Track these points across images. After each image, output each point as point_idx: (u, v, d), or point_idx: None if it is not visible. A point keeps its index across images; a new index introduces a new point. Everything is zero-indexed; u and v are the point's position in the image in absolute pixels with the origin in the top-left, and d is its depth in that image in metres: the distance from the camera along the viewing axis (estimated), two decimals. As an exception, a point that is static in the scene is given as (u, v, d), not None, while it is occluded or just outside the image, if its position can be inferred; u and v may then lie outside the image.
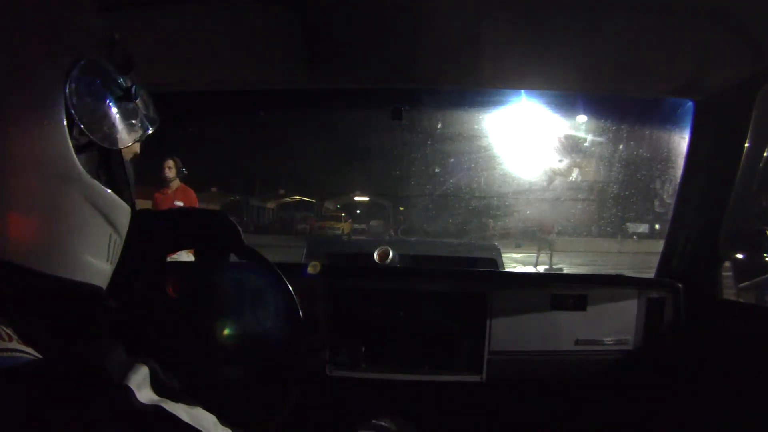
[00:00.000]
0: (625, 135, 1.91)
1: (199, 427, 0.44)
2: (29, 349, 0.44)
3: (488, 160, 2.39)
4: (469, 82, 1.50)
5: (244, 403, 0.89)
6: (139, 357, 0.45)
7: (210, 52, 1.27)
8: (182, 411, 0.45)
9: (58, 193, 0.52)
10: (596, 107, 1.74)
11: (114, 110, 0.61)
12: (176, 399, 0.46)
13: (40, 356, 0.44)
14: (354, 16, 1.14)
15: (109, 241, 0.61)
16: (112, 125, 0.60)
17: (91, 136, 0.55)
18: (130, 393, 0.41)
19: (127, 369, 0.43)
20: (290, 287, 1.03)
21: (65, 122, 0.52)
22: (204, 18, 1.13)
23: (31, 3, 0.53)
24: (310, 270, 1.31)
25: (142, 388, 0.43)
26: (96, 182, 0.57)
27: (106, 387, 0.41)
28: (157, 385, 0.45)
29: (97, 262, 0.57)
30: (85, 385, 0.40)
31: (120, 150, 0.64)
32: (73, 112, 0.52)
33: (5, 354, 0.42)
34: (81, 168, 0.54)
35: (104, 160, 0.62)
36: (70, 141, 0.52)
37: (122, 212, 0.64)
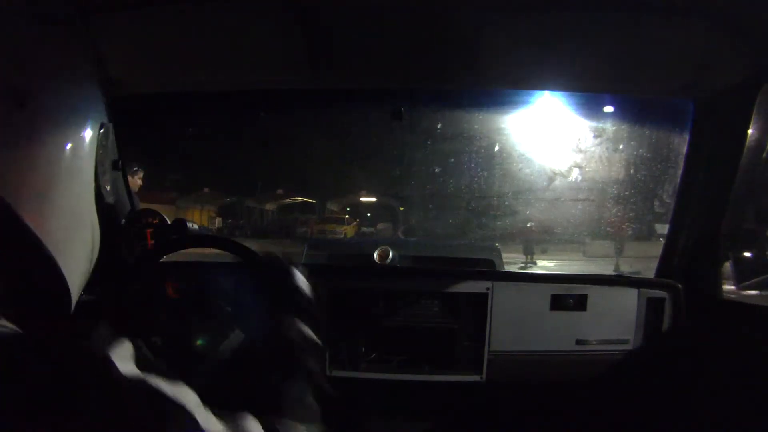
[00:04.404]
0: (625, 135, 1.91)
1: (181, 403, 0.45)
2: (10, 324, 0.44)
3: (488, 160, 2.39)
4: (469, 82, 1.50)
5: (242, 403, 0.89)
6: (123, 334, 0.46)
7: (210, 52, 1.28)
8: (165, 386, 0.45)
9: (61, 191, 0.53)
10: (596, 107, 1.74)
11: None
12: (160, 375, 0.46)
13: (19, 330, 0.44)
14: (354, 17, 1.14)
15: (101, 238, 0.62)
16: None
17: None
18: (111, 365, 0.41)
19: (110, 343, 0.44)
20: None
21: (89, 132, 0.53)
22: (204, 18, 1.13)
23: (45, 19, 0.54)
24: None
25: (125, 362, 0.43)
26: (99, 181, 0.58)
27: (86, 358, 0.41)
28: (141, 362, 0.45)
29: (89, 255, 0.58)
30: (65, 356, 0.40)
31: (120, 156, 0.66)
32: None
33: None
34: (86, 169, 0.55)
35: (107, 166, 0.64)
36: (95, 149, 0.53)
37: (120, 211, 0.66)
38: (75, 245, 0.57)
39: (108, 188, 0.65)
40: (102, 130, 0.65)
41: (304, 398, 0.69)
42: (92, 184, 0.57)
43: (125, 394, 0.41)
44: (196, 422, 0.46)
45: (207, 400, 0.49)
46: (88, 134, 0.66)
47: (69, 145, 0.54)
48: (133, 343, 0.46)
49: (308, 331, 0.83)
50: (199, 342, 1.02)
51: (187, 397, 0.47)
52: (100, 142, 0.64)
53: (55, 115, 0.53)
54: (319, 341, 0.84)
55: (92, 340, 0.43)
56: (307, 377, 0.73)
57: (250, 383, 0.74)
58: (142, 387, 0.43)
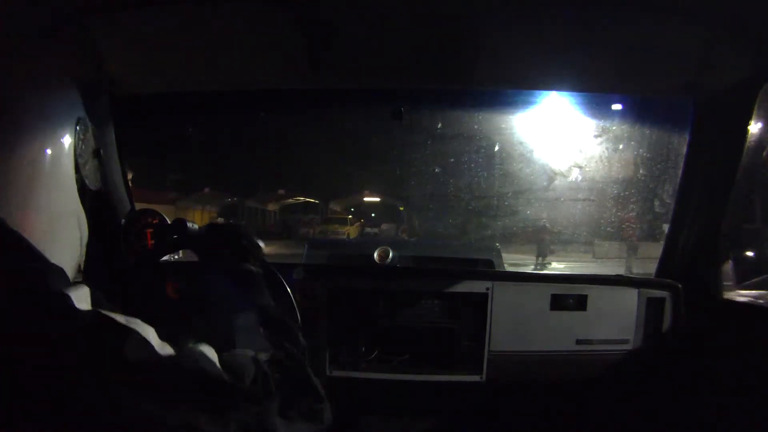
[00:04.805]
0: (625, 135, 1.90)
1: (135, 329, 0.47)
2: None
3: (488, 160, 2.39)
4: (469, 82, 1.50)
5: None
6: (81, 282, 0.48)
7: (210, 52, 1.27)
8: (119, 317, 0.48)
9: (54, 193, 0.53)
10: (596, 107, 1.74)
11: None
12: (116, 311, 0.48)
13: None
14: (354, 17, 1.14)
15: (91, 232, 0.63)
16: None
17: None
18: (67, 299, 0.44)
19: (68, 284, 0.47)
20: (289, 290, 1.03)
21: (71, 133, 0.53)
22: (204, 18, 1.13)
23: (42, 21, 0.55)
24: (295, 275, 1.32)
25: (81, 301, 0.46)
26: (92, 185, 0.59)
27: (44, 294, 0.44)
28: (97, 305, 0.48)
29: (74, 256, 0.59)
30: (23, 293, 0.43)
31: (120, 156, 0.68)
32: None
33: None
34: (78, 172, 0.55)
35: (104, 165, 0.65)
36: (73, 149, 0.54)
37: (117, 212, 0.67)
38: (61, 240, 0.57)
39: (90, 179, 0.66)
40: (78, 126, 0.65)
41: (251, 328, 0.70)
42: (74, 178, 0.58)
43: (81, 324, 0.44)
44: (151, 346, 0.48)
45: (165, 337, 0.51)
46: (69, 133, 0.66)
47: (54, 143, 0.55)
48: (90, 288, 0.48)
49: (253, 268, 0.86)
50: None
51: (143, 328, 0.49)
52: (78, 136, 0.65)
53: (38, 117, 0.54)
54: (257, 270, 0.87)
55: (49, 280, 0.45)
56: (257, 310, 0.76)
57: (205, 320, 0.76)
58: (98, 316, 0.46)
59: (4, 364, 0.40)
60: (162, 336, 0.50)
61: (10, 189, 0.51)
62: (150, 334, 0.49)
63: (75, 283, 0.48)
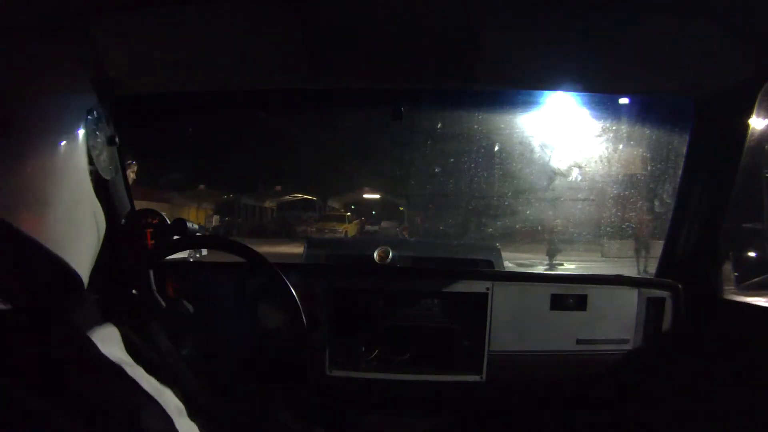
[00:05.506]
0: (624, 134, 1.91)
1: (158, 401, 0.44)
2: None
3: (488, 160, 2.39)
4: (469, 82, 1.50)
5: (244, 401, 0.89)
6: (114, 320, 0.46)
7: (210, 52, 1.27)
8: (145, 381, 0.45)
9: (63, 190, 0.53)
10: (596, 107, 1.74)
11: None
12: (150, 368, 0.46)
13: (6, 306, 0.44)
14: (354, 17, 1.14)
15: (100, 237, 0.62)
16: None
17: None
18: (90, 344, 0.42)
19: (95, 324, 0.44)
20: (292, 289, 1.03)
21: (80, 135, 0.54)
22: (204, 18, 1.13)
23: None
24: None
25: (108, 344, 0.43)
26: (96, 182, 0.58)
27: (65, 336, 0.42)
28: (131, 349, 0.45)
29: (88, 252, 0.58)
30: (45, 333, 0.41)
31: (120, 157, 0.67)
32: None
33: None
34: (85, 170, 0.55)
35: (106, 164, 0.64)
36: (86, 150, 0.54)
37: (119, 210, 0.67)
38: (79, 240, 0.57)
39: (105, 171, 0.65)
40: (90, 117, 0.64)
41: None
42: (89, 177, 0.58)
43: (101, 375, 0.42)
44: (172, 423, 0.45)
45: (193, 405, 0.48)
46: (82, 133, 0.65)
47: (66, 144, 0.54)
48: (120, 329, 0.46)
49: (299, 327, 0.84)
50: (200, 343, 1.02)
51: (167, 398, 0.47)
52: (90, 127, 0.64)
53: (52, 118, 0.53)
54: (304, 330, 0.84)
55: (75, 319, 0.43)
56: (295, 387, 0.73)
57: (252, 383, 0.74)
58: (119, 373, 0.43)
59: (12, 404, 0.38)
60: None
61: (22, 193, 0.50)
62: (172, 406, 0.46)
63: (104, 323, 0.45)
